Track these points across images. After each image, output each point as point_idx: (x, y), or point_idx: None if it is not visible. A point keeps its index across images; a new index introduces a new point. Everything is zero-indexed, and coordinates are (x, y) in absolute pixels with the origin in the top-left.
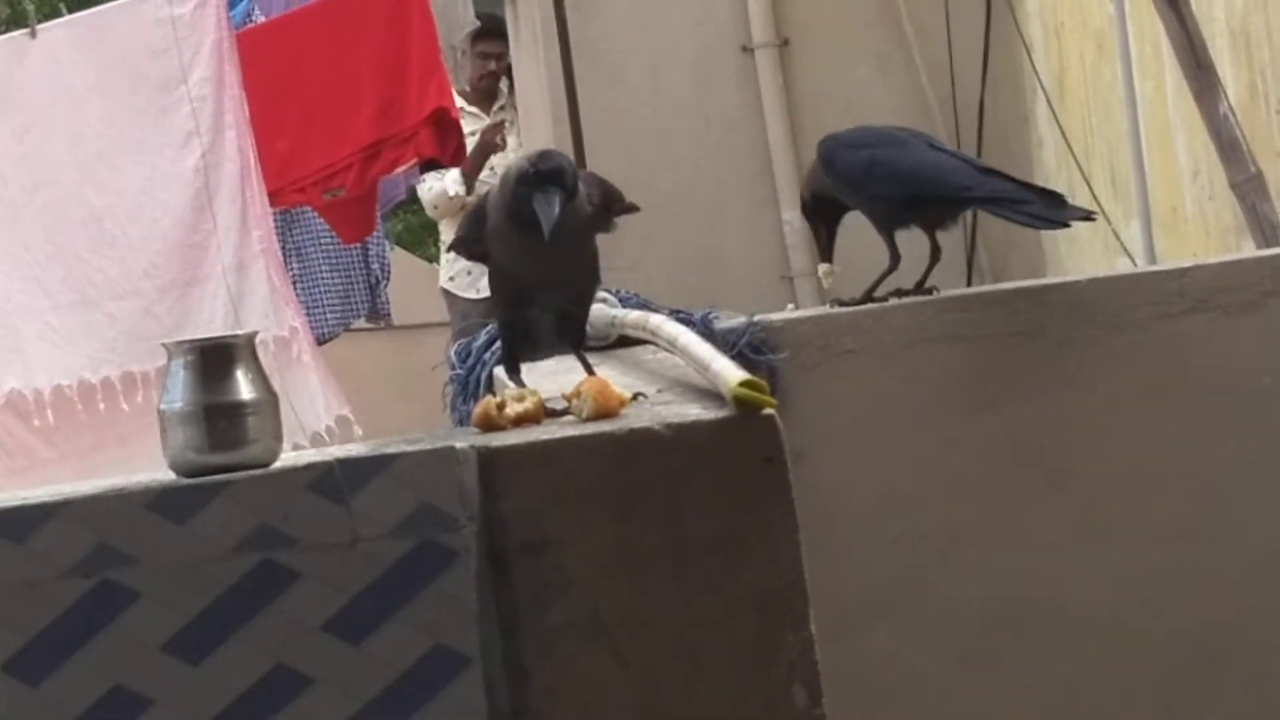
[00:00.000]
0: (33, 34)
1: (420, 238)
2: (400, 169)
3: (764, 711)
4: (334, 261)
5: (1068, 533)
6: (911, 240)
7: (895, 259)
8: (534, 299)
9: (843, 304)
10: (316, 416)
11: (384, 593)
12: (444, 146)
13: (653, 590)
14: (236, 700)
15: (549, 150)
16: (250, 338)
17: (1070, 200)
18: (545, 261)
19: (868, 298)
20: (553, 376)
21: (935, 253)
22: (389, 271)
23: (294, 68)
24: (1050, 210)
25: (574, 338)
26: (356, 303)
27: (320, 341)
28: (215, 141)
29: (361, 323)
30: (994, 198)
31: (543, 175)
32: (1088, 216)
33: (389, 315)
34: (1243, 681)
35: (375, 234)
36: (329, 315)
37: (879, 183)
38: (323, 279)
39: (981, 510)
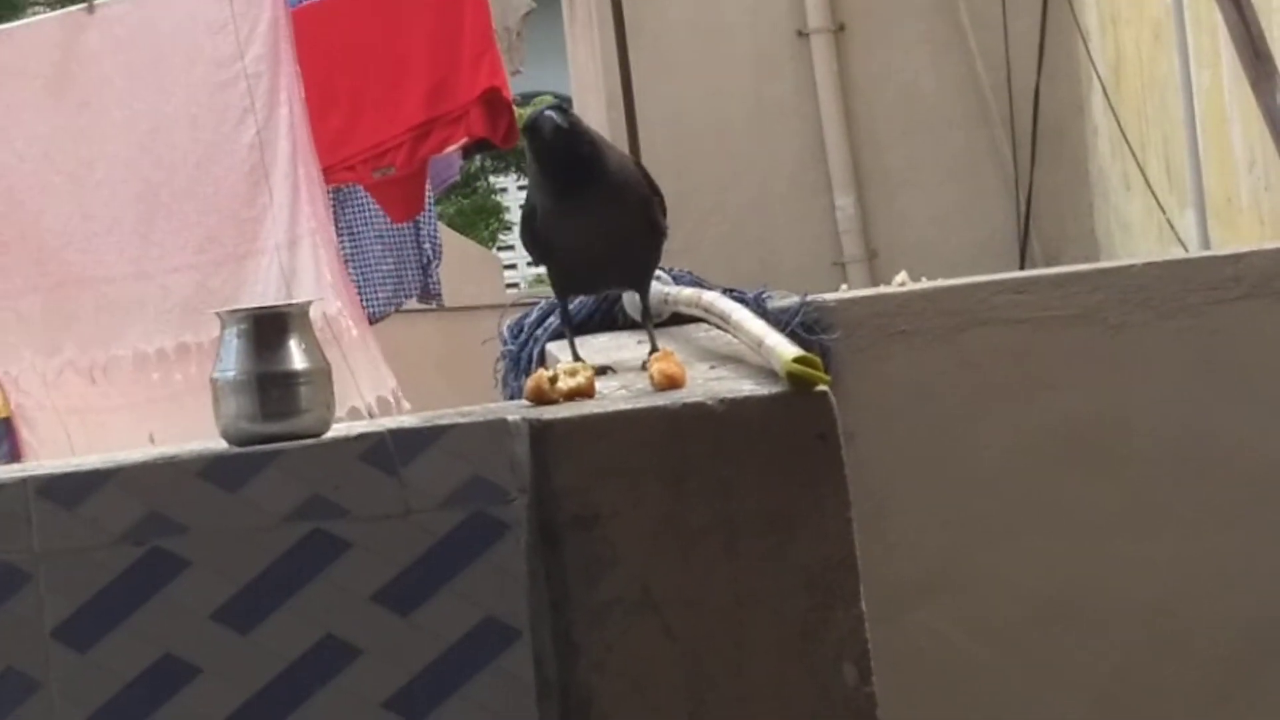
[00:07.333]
0: (90, 9)
1: (473, 221)
2: (450, 148)
3: (813, 689)
4: (386, 241)
5: (1118, 519)
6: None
7: None
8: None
9: None
10: (362, 393)
11: (434, 564)
12: (495, 127)
13: (703, 566)
14: (285, 669)
15: None
16: (304, 307)
17: (1126, 189)
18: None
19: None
20: (605, 352)
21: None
22: (440, 252)
23: (347, 45)
24: None
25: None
26: (408, 283)
27: (372, 321)
28: (270, 118)
29: (413, 303)
30: None
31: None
32: None
33: (440, 296)
34: None
35: (426, 214)
36: (380, 294)
37: None
38: (374, 258)
39: (1033, 494)
